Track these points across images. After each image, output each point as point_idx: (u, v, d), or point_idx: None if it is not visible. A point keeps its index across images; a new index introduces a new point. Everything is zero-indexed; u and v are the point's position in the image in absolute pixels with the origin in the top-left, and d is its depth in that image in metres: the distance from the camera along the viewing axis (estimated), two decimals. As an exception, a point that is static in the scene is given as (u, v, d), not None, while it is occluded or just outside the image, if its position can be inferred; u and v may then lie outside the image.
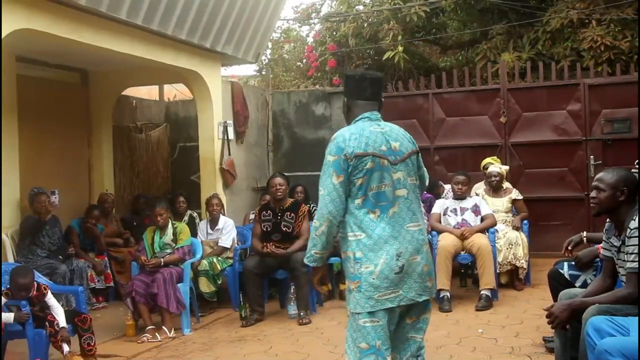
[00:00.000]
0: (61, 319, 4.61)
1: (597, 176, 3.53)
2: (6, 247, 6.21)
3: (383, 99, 3.20)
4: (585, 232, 4.63)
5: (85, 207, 7.42)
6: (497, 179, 6.99)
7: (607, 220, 3.56)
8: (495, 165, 7.15)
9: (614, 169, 3.56)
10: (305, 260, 3.01)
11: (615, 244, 3.42)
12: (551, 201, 8.46)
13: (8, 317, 4.42)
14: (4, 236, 6.16)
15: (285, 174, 6.75)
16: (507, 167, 7.34)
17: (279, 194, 6.25)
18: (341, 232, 2.96)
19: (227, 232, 6.78)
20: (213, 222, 6.87)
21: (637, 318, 3.05)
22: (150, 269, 5.77)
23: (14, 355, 4.80)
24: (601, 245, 3.77)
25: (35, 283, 4.67)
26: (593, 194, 3.50)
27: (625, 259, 3.27)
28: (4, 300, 4.48)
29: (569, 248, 4.51)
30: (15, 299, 4.54)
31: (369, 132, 2.93)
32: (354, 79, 3.11)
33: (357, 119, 3.01)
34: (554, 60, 9.04)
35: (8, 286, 4.61)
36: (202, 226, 6.95)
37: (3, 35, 4.83)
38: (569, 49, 9.06)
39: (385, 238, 2.85)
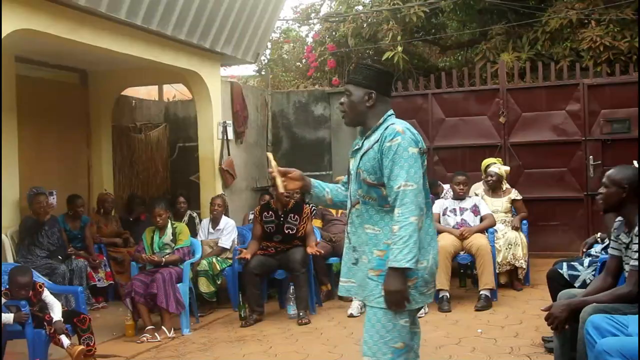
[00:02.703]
0: (56, 313, 4.61)
1: (606, 173, 3.57)
2: (6, 247, 6.21)
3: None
4: (599, 233, 4.74)
5: (86, 207, 7.42)
6: (494, 179, 6.98)
7: (617, 218, 3.58)
8: (495, 166, 7.15)
9: (623, 166, 3.58)
10: (412, 265, 2.60)
11: (625, 240, 3.44)
12: (550, 201, 8.46)
13: (7, 317, 4.42)
14: (3, 236, 6.16)
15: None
16: (507, 168, 7.34)
17: (286, 197, 6.22)
18: (391, 229, 2.70)
19: (228, 232, 6.79)
20: (214, 222, 6.88)
21: (636, 316, 3.06)
22: (151, 264, 5.78)
23: (13, 355, 4.80)
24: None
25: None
26: (600, 189, 3.54)
27: (631, 255, 3.28)
28: (3, 300, 4.48)
29: (584, 250, 4.60)
30: (15, 298, 4.54)
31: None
32: (386, 74, 2.96)
33: (386, 115, 2.87)
34: (553, 61, 9.05)
35: (7, 286, 4.62)
36: (204, 225, 6.95)
37: (3, 35, 4.83)
38: (568, 49, 9.07)
39: (432, 234, 2.82)
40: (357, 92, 2.85)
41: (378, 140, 2.77)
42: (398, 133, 2.73)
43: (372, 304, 2.76)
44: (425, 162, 2.82)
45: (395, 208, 2.68)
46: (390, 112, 2.89)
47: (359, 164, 2.82)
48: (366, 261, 2.80)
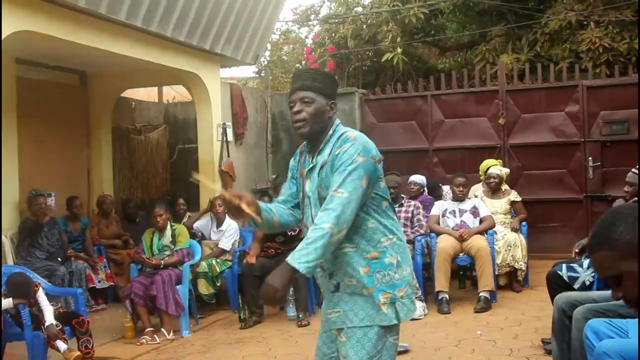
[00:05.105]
0: (48, 316, 4.57)
1: None
2: (6, 249, 6.21)
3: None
4: None
5: (86, 209, 7.41)
6: (496, 180, 7.00)
7: None
8: (496, 167, 7.16)
9: None
10: (304, 269, 2.36)
11: None
12: (550, 203, 8.47)
13: (8, 302, 4.42)
14: (3, 238, 6.17)
15: (285, 175, 6.76)
16: (507, 170, 7.35)
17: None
18: (369, 241, 2.56)
19: (230, 235, 6.78)
20: (218, 223, 6.89)
21: (636, 320, 3.06)
22: (150, 269, 5.79)
23: (13, 357, 4.80)
24: None
25: None
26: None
27: None
28: (3, 300, 4.48)
29: (577, 250, 4.58)
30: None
31: None
32: (336, 82, 2.78)
33: (335, 125, 2.67)
34: (553, 62, 9.07)
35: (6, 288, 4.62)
36: (207, 223, 6.95)
37: (3, 37, 4.84)
38: (568, 51, 9.09)
39: (404, 240, 2.71)
40: (320, 100, 2.61)
41: (331, 151, 2.57)
42: (348, 140, 2.55)
43: (365, 323, 2.51)
44: (381, 170, 2.61)
45: (319, 211, 2.48)
46: (338, 120, 2.71)
47: (318, 182, 2.57)
48: (353, 282, 2.54)
